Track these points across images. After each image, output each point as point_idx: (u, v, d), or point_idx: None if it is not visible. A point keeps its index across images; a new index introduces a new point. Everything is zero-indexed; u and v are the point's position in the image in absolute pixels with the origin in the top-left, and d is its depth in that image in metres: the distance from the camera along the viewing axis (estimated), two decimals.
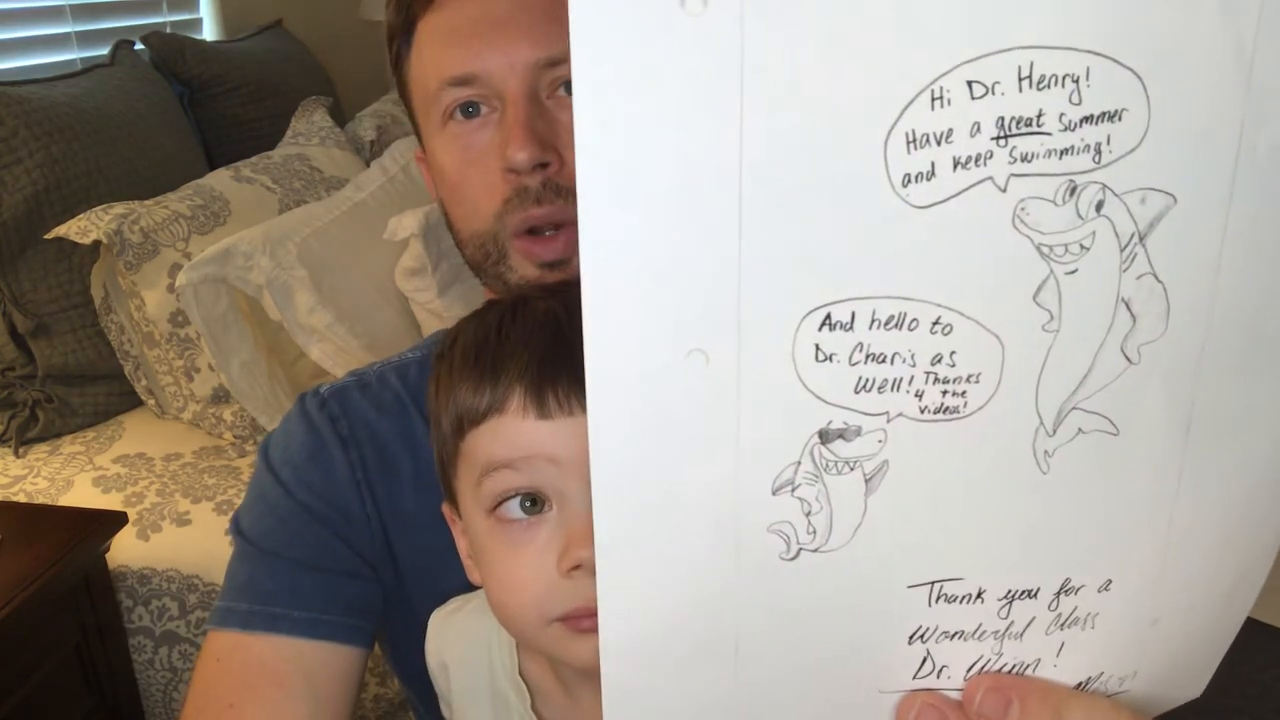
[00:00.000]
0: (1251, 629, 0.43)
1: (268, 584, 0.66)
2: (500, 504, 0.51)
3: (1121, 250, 0.34)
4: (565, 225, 0.62)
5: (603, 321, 0.34)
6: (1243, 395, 0.38)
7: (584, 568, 0.48)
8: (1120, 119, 0.33)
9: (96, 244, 1.71)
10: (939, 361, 0.35)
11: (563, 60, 0.60)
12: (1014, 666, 0.40)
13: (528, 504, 0.50)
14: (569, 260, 0.62)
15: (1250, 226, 0.35)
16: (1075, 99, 0.32)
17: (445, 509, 0.58)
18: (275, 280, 1.73)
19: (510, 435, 0.49)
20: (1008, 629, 0.39)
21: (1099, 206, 0.34)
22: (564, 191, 0.61)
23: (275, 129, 2.33)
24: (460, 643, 0.62)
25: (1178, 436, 0.38)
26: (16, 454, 1.73)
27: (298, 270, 1.76)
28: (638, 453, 0.36)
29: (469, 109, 0.63)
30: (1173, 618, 0.41)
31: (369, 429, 0.70)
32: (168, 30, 2.35)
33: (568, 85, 0.60)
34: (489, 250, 0.65)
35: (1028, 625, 0.39)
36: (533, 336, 0.50)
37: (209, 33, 2.53)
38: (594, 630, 0.49)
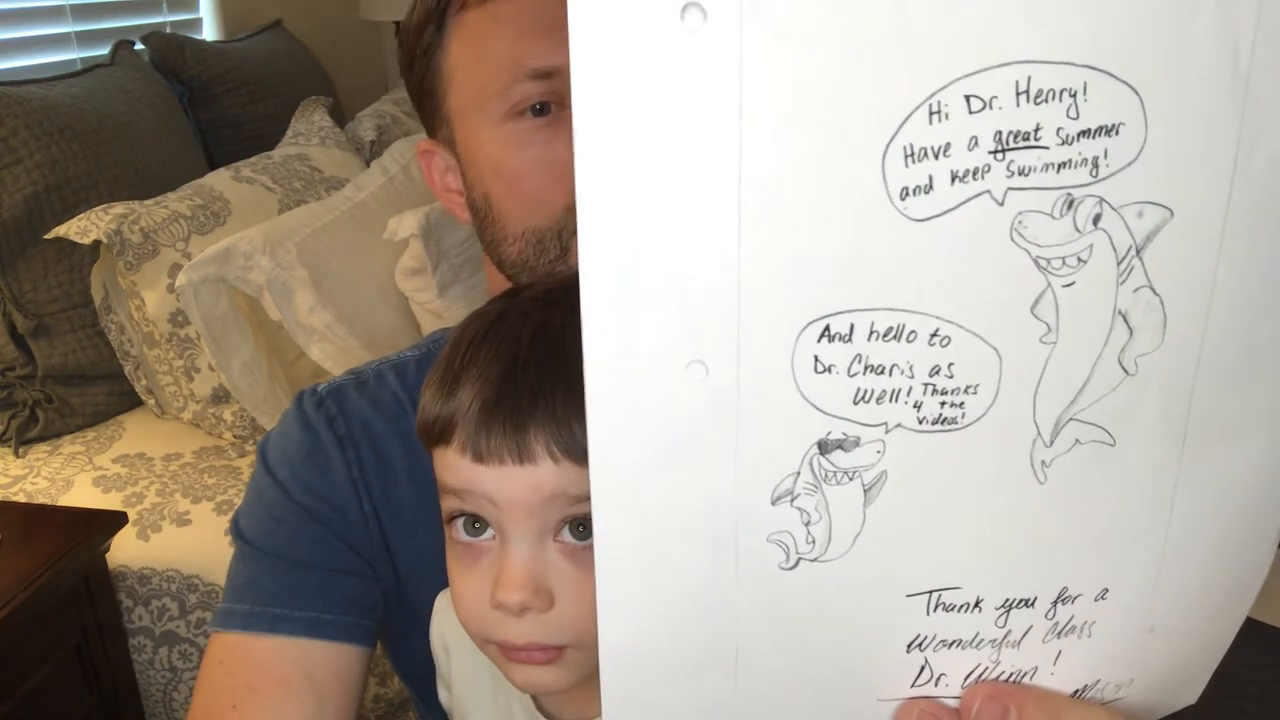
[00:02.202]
0: (1250, 629, 0.43)
1: (268, 584, 0.66)
2: (451, 520, 0.52)
3: (1118, 263, 0.34)
4: None
5: (603, 332, 0.34)
6: (1239, 405, 0.38)
7: (505, 608, 0.49)
8: (1117, 133, 0.33)
9: (96, 244, 1.71)
10: (937, 373, 0.35)
11: None
12: (1011, 675, 0.41)
13: (474, 526, 0.51)
14: None
15: (1246, 238, 0.36)
16: (1073, 113, 0.33)
17: None
18: (275, 280, 1.73)
19: (454, 468, 0.50)
20: (1005, 637, 0.40)
21: (1096, 220, 0.34)
22: None
23: (275, 129, 2.33)
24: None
25: (1174, 446, 0.38)
26: (16, 454, 1.73)
27: (298, 270, 1.76)
28: (637, 463, 0.36)
29: (538, 106, 0.62)
30: (1169, 625, 0.41)
31: (366, 427, 0.70)
32: (168, 30, 2.35)
33: None
34: (547, 245, 0.64)
35: (1025, 634, 0.40)
36: (488, 370, 0.49)
37: (209, 33, 2.53)
38: (524, 663, 0.50)
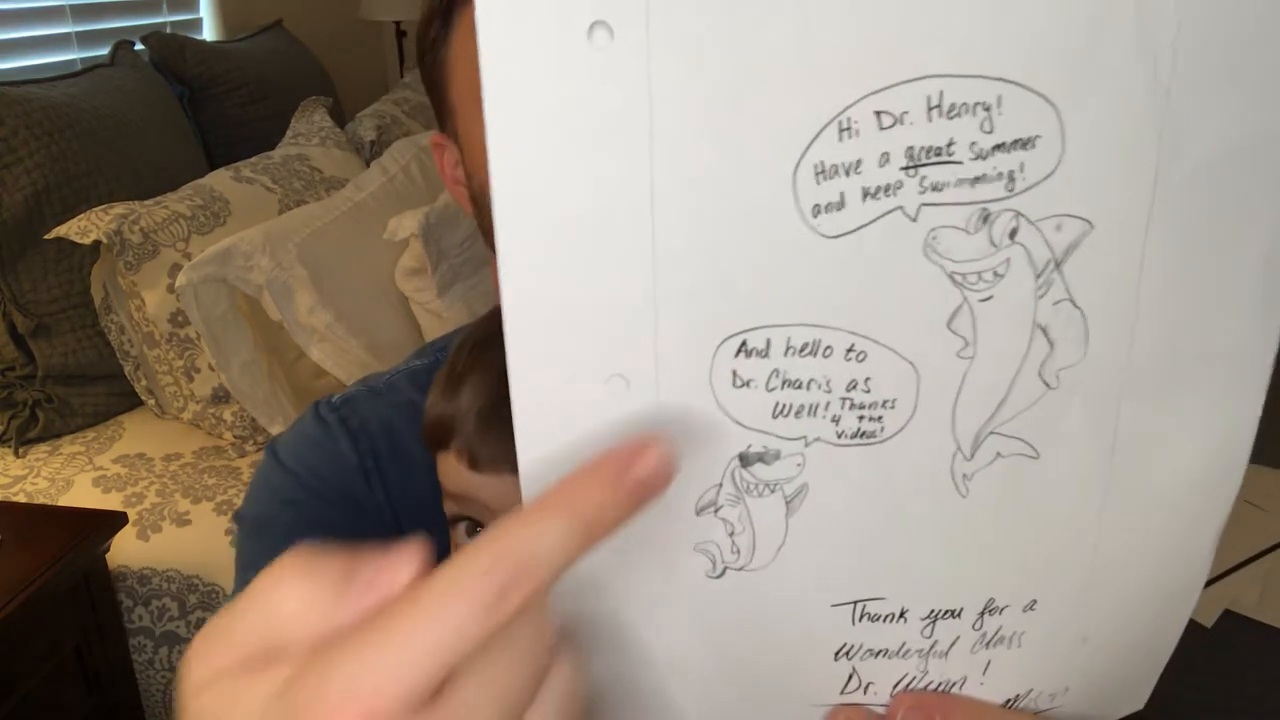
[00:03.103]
0: (1251, 628, 0.43)
1: (280, 545, 0.66)
2: (454, 524, 0.52)
3: (1037, 277, 0.34)
4: None
5: (524, 346, 0.34)
6: (1168, 413, 0.38)
7: None
8: (1034, 146, 0.33)
9: (96, 244, 1.72)
10: (854, 388, 0.35)
11: None
12: (940, 684, 0.41)
13: (475, 530, 0.51)
14: None
15: (1171, 248, 0.35)
16: (987, 127, 0.33)
17: None
18: (275, 280, 1.74)
19: (453, 474, 0.50)
20: (932, 648, 0.40)
21: (1013, 234, 0.34)
22: None
23: (275, 129, 2.34)
24: None
25: (1102, 457, 0.38)
26: (16, 454, 1.74)
27: (298, 270, 1.77)
28: (563, 474, 0.36)
29: None
30: (1103, 635, 0.41)
31: (383, 425, 0.71)
32: (168, 30, 2.36)
33: None
34: None
35: (952, 644, 0.40)
36: (488, 375, 0.50)
37: (209, 33, 2.54)
38: None
